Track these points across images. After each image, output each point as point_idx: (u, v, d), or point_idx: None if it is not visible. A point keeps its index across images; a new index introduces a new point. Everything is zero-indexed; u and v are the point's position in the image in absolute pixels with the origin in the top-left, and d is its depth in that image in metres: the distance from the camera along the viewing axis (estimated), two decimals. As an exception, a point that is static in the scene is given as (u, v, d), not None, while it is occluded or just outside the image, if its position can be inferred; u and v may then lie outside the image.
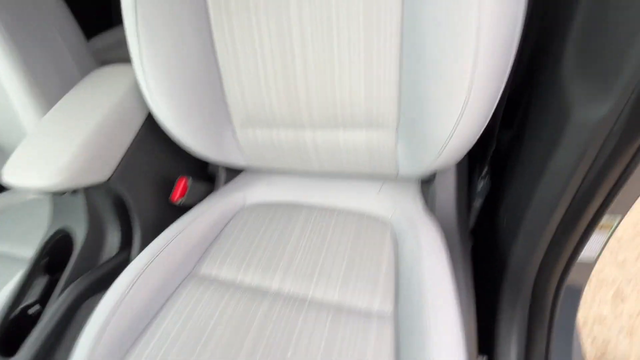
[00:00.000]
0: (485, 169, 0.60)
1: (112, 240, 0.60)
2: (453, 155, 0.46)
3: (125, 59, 0.54)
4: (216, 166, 0.70)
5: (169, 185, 0.64)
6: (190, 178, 0.65)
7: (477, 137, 0.44)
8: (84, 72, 0.69)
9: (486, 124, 0.43)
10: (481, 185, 0.61)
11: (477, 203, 0.62)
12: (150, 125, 0.58)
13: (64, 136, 0.48)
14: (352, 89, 0.50)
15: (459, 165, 0.58)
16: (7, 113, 0.67)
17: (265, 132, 0.59)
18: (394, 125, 0.52)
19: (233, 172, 0.72)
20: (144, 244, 0.60)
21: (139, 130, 0.56)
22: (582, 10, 0.35)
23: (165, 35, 0.49)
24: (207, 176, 0.73)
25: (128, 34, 0.49)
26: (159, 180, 0.63)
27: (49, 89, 0.60)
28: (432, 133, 0.45)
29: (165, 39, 0.50)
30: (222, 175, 0.71)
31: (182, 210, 0.62)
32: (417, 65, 0.44)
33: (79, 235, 0.56)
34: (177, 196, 0.63)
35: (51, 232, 0.56)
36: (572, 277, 0.44)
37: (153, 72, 0.51)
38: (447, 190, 0.55)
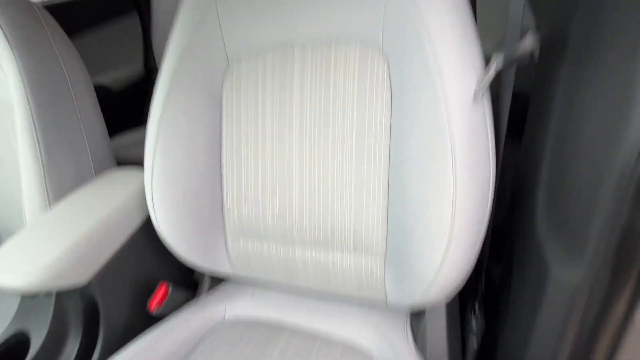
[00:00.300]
0: (477, 306, 0.58)
1: (71, 350, 0.55)
2: (441, 293, 0.45)
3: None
4: (201, 272, 0.69)
5: (147, 291, 0.62)
6: (172, 284, 0.62)
7: (464, 278, 0.43)
8: (100, 170, 0.74)
9: (472, 266, 0.43)
10: (475, 323, 0.57)
11: (474, 344, 0.57)
12: (143, 230, 0.59)
13: (54, 236, 0.49)
14: (343, 215, 0.52)
15: (450, 303, 0.55)
16: (13, 201, 0.70)
17: (256, 244, 0.60)
18: (382, 254, 0.52)
19: (217, 280, 0.70)
20: (105, 356, 0.54)
21: (131, 235, 0.57)
22: (546, 170, 0.39)
23: (179, 148, 0.55)
24: (190, 282, 0.70)
25: (147, 141, 0.55)
26: (138, 285, 0.61)
27: (61, 185, 0.64)
28: (418, 269, 0.45)
29: (178, 151, 0.55)
30: (206, 283, 0.68)
31: (156, 318, 0.58)
32: (402, 203, 0.47)
33: (37, 340, 0.52)
34: (154, 304, 0.59)
35: (5, 336, 0.52)
36: None
37: (160, 179, 0.55)
38: (438, 330, 0.52)
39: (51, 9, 1.19)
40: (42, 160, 0.64)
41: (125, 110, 1.45)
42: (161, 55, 1.57)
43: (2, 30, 0.64)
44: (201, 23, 0.54)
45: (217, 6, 0.53)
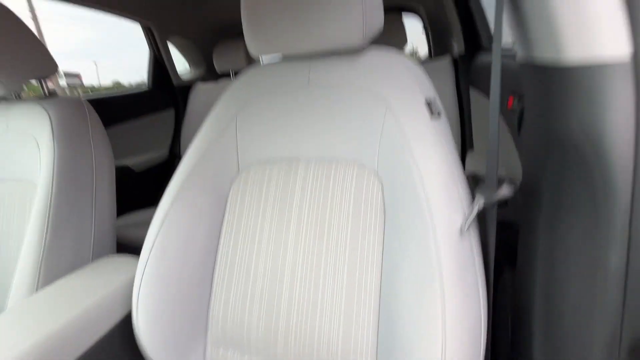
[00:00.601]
0: None
1: None
2: None
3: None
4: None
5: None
6: (135, 396, 0.56)
7: None
8: (98, 256, 0.74)
9: None
10: None
11: None
12: (118, 329, 0.56)
13: (21, 331, 0.47)
14: (331, 336, 0.50)
15: None
16: (4, 280, 0.69)
17: (236, 356, 0.55)
18: None
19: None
20: None
21: (104, 335, 0.54)
22: (539, 315, 0.37)
23: (177, 246, 0.56)
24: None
25: (149, 233, 0.56)
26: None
27: (55, 269, 0.64)
28: None
29: (175, 250, 0.56)
30: (174, 395, 0.61)
31: None
32: (391, 330, 0.44)
33: None
34: (109, 419, 0.52)
35: None
36: None
37: (152, 275, 0.54)
38: None
39: (100, 102, 1.37)
40: (45, 242, 0.65)
41: (143, 190, 1.53)
42: (186, 144, 1.72)
43: (51, 123, 0.74)
44: (222, 133, 0.61)
45: (237, 122, 0.61)
